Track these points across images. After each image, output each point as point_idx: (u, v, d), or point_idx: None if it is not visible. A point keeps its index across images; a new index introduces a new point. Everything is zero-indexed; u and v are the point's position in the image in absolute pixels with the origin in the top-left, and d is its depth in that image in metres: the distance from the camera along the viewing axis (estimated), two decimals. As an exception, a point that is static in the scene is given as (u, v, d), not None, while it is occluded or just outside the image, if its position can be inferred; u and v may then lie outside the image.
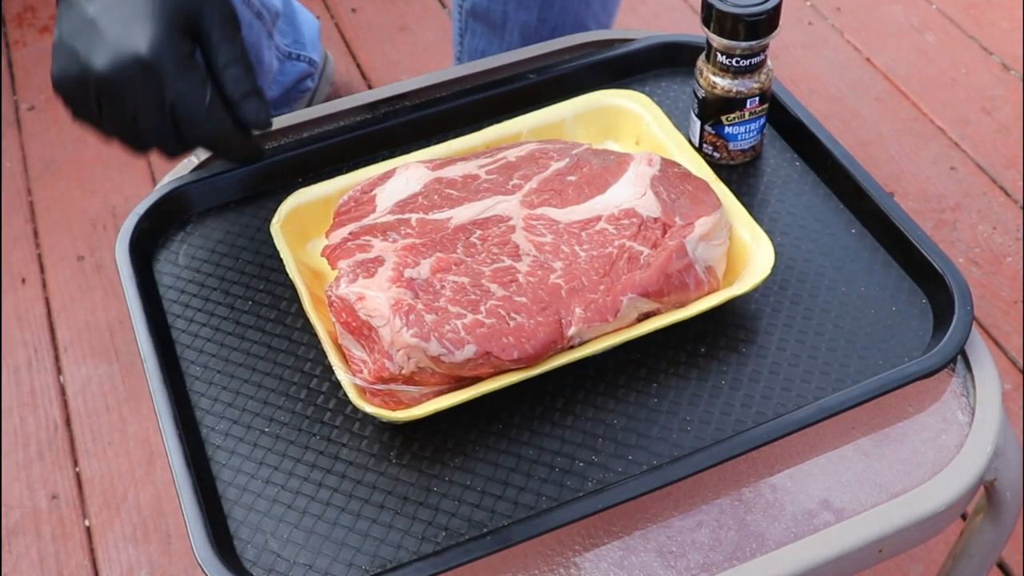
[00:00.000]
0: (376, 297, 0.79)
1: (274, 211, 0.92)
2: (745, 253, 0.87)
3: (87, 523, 1.50)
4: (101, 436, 1.59)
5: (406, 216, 0.87)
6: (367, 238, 0.85)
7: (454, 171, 0.90)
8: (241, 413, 0.84)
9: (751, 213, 0.90)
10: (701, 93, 0.96)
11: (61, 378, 1.66)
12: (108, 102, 0.87)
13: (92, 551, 1.47)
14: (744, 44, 0.92)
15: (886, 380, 0.82)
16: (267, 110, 0.92)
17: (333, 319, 0.82)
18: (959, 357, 0.86)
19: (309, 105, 1.75)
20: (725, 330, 0.87)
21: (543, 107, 0.99)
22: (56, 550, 1.47)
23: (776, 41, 0.93)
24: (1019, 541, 1.38)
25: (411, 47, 2.11)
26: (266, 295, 0.92)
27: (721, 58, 0.93)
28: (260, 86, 0.91)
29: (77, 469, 1.55)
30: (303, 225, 0.92)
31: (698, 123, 0.98)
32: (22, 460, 1.56)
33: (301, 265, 0.88)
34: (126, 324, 1.65)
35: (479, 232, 0.85)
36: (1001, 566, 1.40)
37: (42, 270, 1.80)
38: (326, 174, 0.98)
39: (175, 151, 0.91)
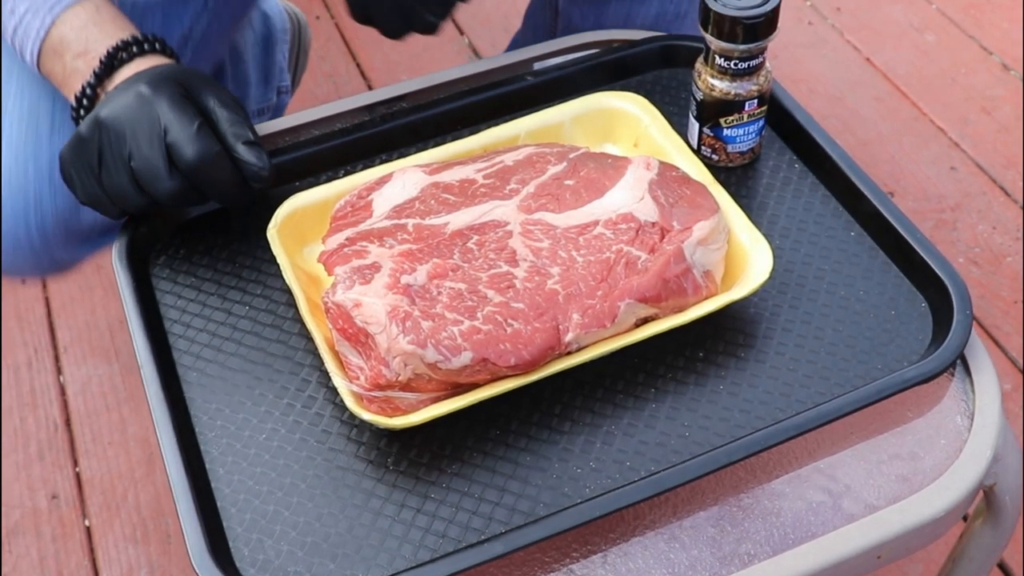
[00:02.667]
0: (373, 303, 0.79)
1: (271, 216, 0.91)
2: (743, 257, 0.86)
3: (87, 523, 1.49)
4: (101, 436, 1.58)
5: (403, 221, 0.86)
6: (364, 244, 0.84)
7: (451, 176, 0.90)
8: (238, 419, 0.84)
9: (749, 216, 0.89)
10: (699, 95, 0.95)
11: (61, 378, 1.65)
12: (107, 144, 0.89)
13: (92, 551, 1.47)
14: (742, 47, 0.91)
15: (885, 385, 0.81)
16: (267, 159, 0.91)
17: (330, 326, 0.82)
18: (958, 361, 0.86)
19: (294, 74, 1.70)
20: (723, 335, 0.87)
21: (541, 109, 0.99)
22: (56, 550, 1.47)
23: (776, 41, 0.92)
24: (1020, 544, 1.38)
25: (411, 47, 2.10)
26: (263, 300, 0.91)
27: (719, 60, 0.92)
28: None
29: (77, 469, 1.55)
30: (300, 230, 0.91)
31: (696, 125, 0.97)
32: (22, 460, 1.56)
33: (298, 270, 0.88)
34: (126, 324, 1.65)
35: (476, 237, 0.85)
36: (1002, 567, 1.40)
37: (42, 270, 1.79)
38: (323, 178, 0.98)
39: (168, 191, 0.89)
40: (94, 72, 0.94)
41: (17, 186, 1.05)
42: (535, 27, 1.42)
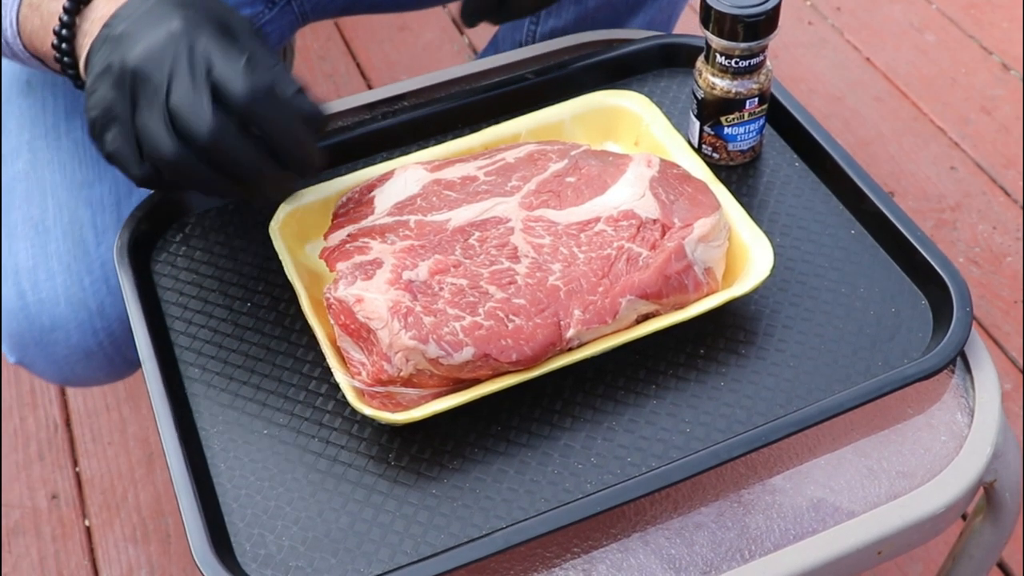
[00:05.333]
0: (375, 299, 0.79)
1: (273, 212, 0.92)
2: (744, 254, 0.87)
3: (87, 523, 1.50)
4: (101, 436, 1.58)
5: (404, 218, 0.87)
6: (366, 240, 0.85)
7: (453, 173, 0.90)
8: (240, 415, 0.84)
9: (750, 214, 0.89)
10: (700, 94, 0.96)
11: (61, 378, 1.66)
12: (140, 83, 0.79)
13: (92, 551, 1.47)
14: (743, 45, 0.91)
15: (885, 381, 0.82)
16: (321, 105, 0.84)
17: (332, 322, 0.82)
18: (958, 358, 0.86)
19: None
20: (724, 331, 0.87)
21: (542, 108, 0.99)
22: (56, 550, 1.47)
23: (776, 41, 0.92)
24: (1019, 541, 1.38)
25: (411, 47, 2.10)
26: (265, 297, 0.91)
27: (720, 59, 0.93)
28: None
29: (77, 469, 1.55)
30: (302, 227, 0.92)
31: (697, 124, 0.98)
32: (22, 460, 1.56)
33: (300, 267, 0.88)
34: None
35: (478, 234, 0.85)
36: (1001, 566, 1.40)
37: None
38: (325, 176, 0.98)
39: (212, 131, 0.78)
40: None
41: (78, 301, 1.05)
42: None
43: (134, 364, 1.12)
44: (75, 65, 0.86)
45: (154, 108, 0.78)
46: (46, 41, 0.87)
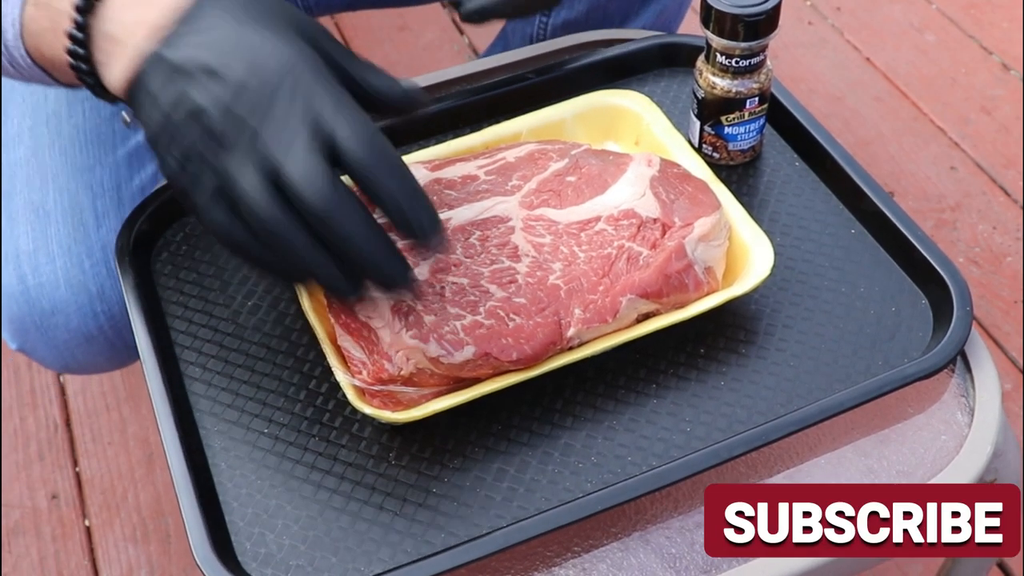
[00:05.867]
0: (375, 298, 0.79)
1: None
2: (745, 254, 0.87)
3: (87, 523, 1.50)
4: (101, 436, 1.59)
5: (405, 217, 0.87)
6: (366, 239, 0.85)
7: (453, 172, 0.90)
8: (240, 414, 0.84)
9: (751, 213, 0.89)
10: (700, 93, 0.96)
11: (61, 378, 1.66)
12: (235, 131, 0.70)
13: (92, 551, 1.47)
14: (744, 44, 0.91)
15: (886, 381, 0.82)
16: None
17: (332, 320, 0.82)
18: (959, 358, 0.86)
19: None
20: (724, 331, 0.87)
21: (543, 107, 0.99)
22: (56, 550, 1.47)
23: (776, 41, 0.93)
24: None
25: (411, 47, 2.10)
26: (265, 296, 0.91)
27: (721, 58, 0.93)
28: None
29: (77, 469, 1.55)
30: (302, 226, 0.91)
31: (697, 123, 0.98)
32: (22, 460, 1.56)
33: (300, 266, 0.88)
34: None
35: (478, 233, 0.85)
36: (1001, 566, 1.40)
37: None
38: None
39: (334, 206, 0.69)
40: None
41: (78, 284, 1.05)
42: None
43: (135, 350, 1.11)
44: (93, 72, 0.77)
45: (251, 158, 0.69)
46: (55, 44, 0.77)
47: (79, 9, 0.75)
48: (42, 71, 0.81)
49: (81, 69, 0.77)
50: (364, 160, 0.70)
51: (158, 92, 0.72)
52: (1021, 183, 1.83)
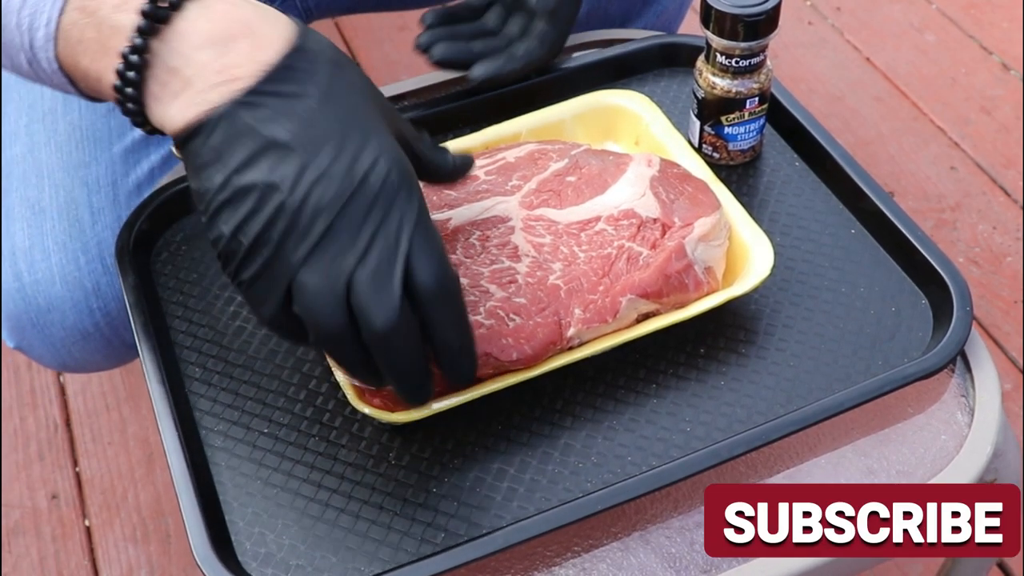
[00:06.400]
0: None
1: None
2: (745, 254, 0.87)
3: (87, 523, 1.50)
4: (101, 436, 1.59)
5: (405, 217, 0.87)
6: (366, 239, 0.85)
7: (453, 172, 0.90)
8: (240, 414, 0.84)
9: (750, 213, 0.90)
10: (700, 93, 0.96)
11: (61, 378, 1.66)
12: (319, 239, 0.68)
13: (92, 551, 1.47)
14: (743, 44, 0.91)
15: (886, 381, 0.82)
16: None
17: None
18: (959, 357, 0.86)
19: None
20: (724, 331, 0.87)
21: (542, 107, 0.99)
22: (56, 550, 1.47)
23: (776, 41, 0.93)
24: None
25: (411, 47, 2.10)
26: (265, 296, 0.91)
27: (720, 59, 0.93)
28: None
29: (77, 469, 1.55)
30: (302, 226, 0.91)
31: (697, 123, 0.98)
32: (22, 460, 1.56)
33: (300, 266, 0.88)
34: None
35: (478, 233, 0.85)
36: (1001, 566, 1.40)
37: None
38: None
39: (394, 328, 0.69)
40: (143, 12, 0.69)
41: (74, 280, 1.04)
42: None
43: (132, 348, 1.10)
44: (140, 100, 0.72)
45: (324, 259, 0.68)
46: (100, 61, 0.71)
47: (141, 31, 0.69)
48: (66, 79, 0.75)
49: (126, 94, 0.71)
50: (435, 302, 0.70)
51: (225, 153, 0.69)
52: (1021, 183, 1.83)
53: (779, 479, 0.81)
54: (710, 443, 0.79)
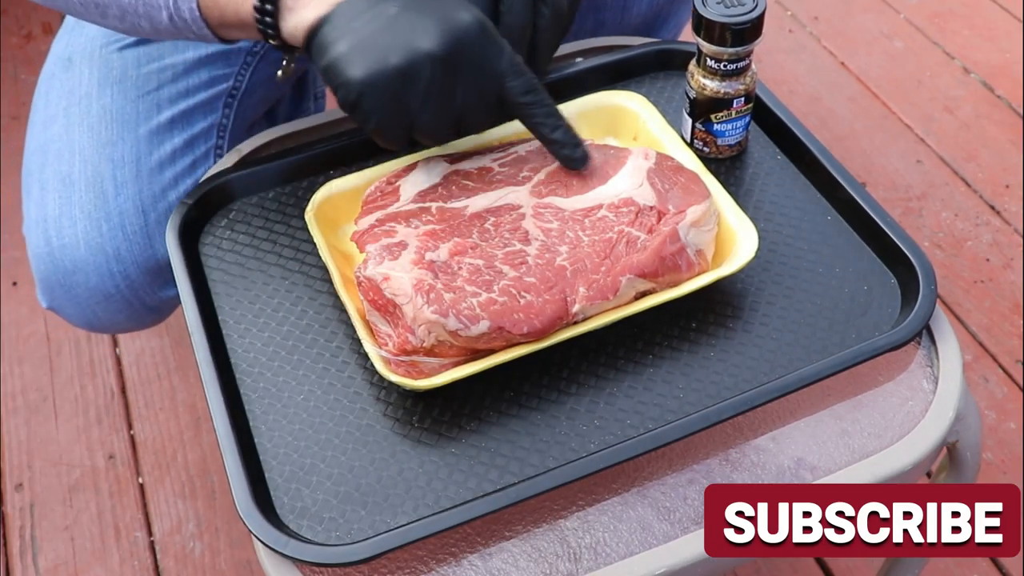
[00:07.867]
0: (400, 278, 0.79)
1: (308, 200, 0.92)
2: (732, 238, 0.87)
3: (140, 480, 1.50)
4: (153, 402, 1.59)
5: (427, 205, 0.87)
6: (392, 224, 0.85)
7: (470, 164, 0.90)
8: (279, 382, 0.84)
9: (737, 202, 0.89)
10: (692, 94, 0.96)
11: (117, 350, 1.66)
12: (440, 86, 0.81)
13: (145, 506, 1.48)
14: (731, 50, 0.91)
15: (859, 352, 0.82)
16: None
17: (361, 297, 0.82)
18: (924, 331, 0.86)
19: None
20: (714, 307, 0.87)
21: (550, 106, 0.99)
22: (112, 505, 1.48)
23: (760, 47, 0.92)
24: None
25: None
26: (301, 276, 0.91)
27: (710, 62, 0.93)
28: None
29: (131, 432, 1.56)
30: (334, 213, 0.92)
31: (690, 121, 0.98)
32: (82, 424, 1.57)
33: (333, 249, 0.88)
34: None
35: (492, 219, 0.85)
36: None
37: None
38: (355, 167, 0.98)
39: (486, 125, 0.86)
40: None
41: (96, 245, 1.06)
42: None
43: (154, 311, 1.14)
44: (275, 14, 0.84)
45: (444, 108, 0.81)
46: (243, 5, 0.85)
47: None
48: (204, 23, 0.88)
49: (265, 10, 0.84)
50: (517, 100, 0.83)
51: (349, 30, 0.80)
52: (980, 175, 1.83)
53: (763, 440, 0.81)
54: (701, 408, 0.80)
